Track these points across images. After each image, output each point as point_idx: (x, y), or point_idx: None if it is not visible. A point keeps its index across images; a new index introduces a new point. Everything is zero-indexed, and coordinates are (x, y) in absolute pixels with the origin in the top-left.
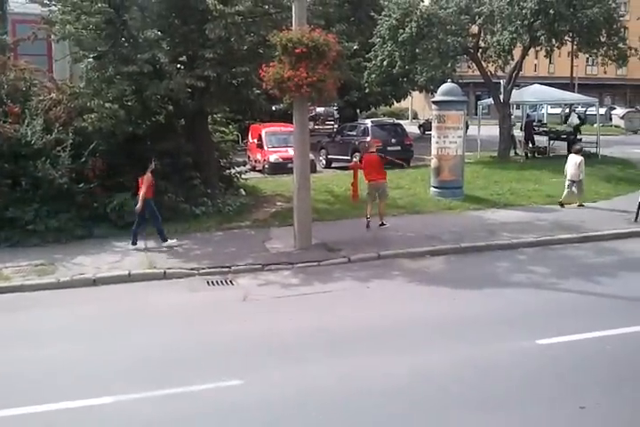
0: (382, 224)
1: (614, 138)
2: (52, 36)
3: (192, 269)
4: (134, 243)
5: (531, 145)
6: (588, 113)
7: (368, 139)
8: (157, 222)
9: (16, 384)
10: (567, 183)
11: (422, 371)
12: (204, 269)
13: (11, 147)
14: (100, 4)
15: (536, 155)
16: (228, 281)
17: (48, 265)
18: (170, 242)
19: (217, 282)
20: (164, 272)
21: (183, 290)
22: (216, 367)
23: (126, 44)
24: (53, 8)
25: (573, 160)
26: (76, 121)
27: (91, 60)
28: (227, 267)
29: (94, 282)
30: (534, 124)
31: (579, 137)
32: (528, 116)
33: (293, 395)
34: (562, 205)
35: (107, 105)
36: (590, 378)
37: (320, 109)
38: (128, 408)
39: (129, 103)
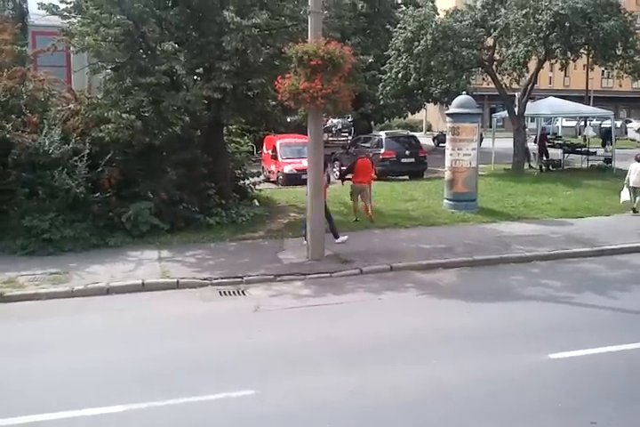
0: (370, 217)
1: (630, 151)
2: (72, 48)
3: (205, 278)
4: (336, 237)
5: (545, 158)
6: (603, 126)
7: (382, 151)
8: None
9: (28, 392)
10: (628, 191)
11: (435, 384)
12: (216, 279)
13: (28, 156)
14: (118, 17)
15: (550, 168)
16: (241, 291)
17: (63, 274)
18: (342, 239)
19: (229, 292)
20: (177, 282)
21: (195, 300)
22: (227, 377)
23: (144, 56)
24: (73, 20)
25: (637, 167)
26: (93, 131)
27: (109, 71)
28: (239, 277)
29: (108, 291)
30: (549, 136)
31: (593, 150)
32: (543, 128)
33: (305, 406)
34: (635, 211)
35: (124, 115)
36: (603, 393)
37: (334, 121)
38: (139, 417)
39: (146, 114)
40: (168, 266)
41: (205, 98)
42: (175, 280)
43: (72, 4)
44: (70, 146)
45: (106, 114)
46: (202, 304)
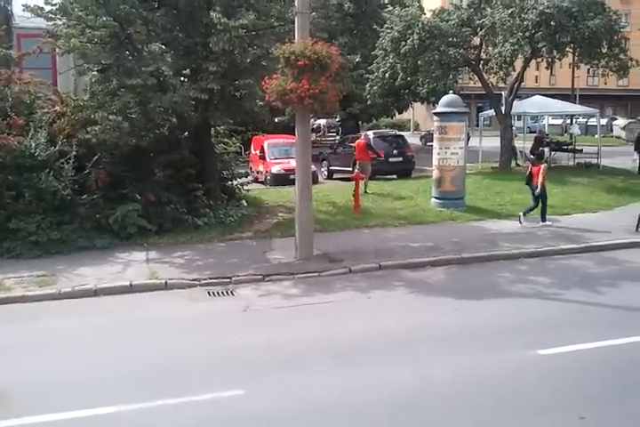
0: (366, 192)
1: (616, 149)
2: (57, 50)
3: (193, 279)
4: (544, 220)
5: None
6: (589, 124)
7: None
8: (545, 204)
9: (16, 395)
10: None
11: (425, 382)
12: (205, 279)
13: (14, 159)
14: (104, 18)
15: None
16: (229, 292)
17: (49, 276)
18: (546, 223)
19: (218, 293)
20: (166, 283)
21: (184, 300)
22: (217, 378)
23: (130, 57)
24: (58, 22)
25: None
26: (79, 133)
27: (95, 73)
28: (228, 277)
29: (95, 293)
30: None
31: (579, 148)
32: (540, 131)
33: (295, 406)
34: None
35: (110, 117)
36: (591, 388)
37: (321, 121)
38: (128, 419)
39: (133, 116)
40: (156, 267)
41: (193, 99)
42: (163, 281)
43: (57, 6)
44: (57, 148)
45: (92, 116)
46: (191, 305)
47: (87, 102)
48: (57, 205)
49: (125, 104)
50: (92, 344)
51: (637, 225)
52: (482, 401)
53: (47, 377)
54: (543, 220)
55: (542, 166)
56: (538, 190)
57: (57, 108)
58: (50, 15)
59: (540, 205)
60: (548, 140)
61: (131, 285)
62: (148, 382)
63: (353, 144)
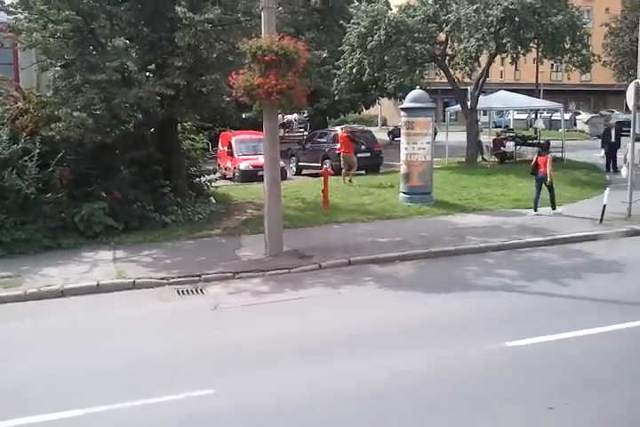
0: (350, 181)
1: (579, 142)
2: (19, 45)
3: (162, 278)
4: (554, 208)
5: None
6: (553, 118)
7: (338, 146)
8: (553, 193)
9: None
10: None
11: (395, 375)
12: (174, 278)
13: None
14: (67, 12)
15: (503, 160)
16: (199, 290)
17: (15, 277)
18: (557, 211)
19: (187, 291)
20: (134, 282)
21: (153, 300)
22: (187, 377)
23: (94, 53)
24: (20, 16)
25: None
26: (43, 130)
27: (58, 68)
28: (197, 276)
29: (62, 293)
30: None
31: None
32: (506, 128)
33: (266, 403)
34: None
35: (75, 114)
36: (558, 379)
37: (292, 116)
38: (97, 421)
39: (97, 112)
40: (124, 266)
41: (158, 94)
42: (131, 280)
43: (18, 0)
44: (19, 146)
45: (56, 112)
46: (159, 304)
47: (50, 98)
48: (20, 203)
49: (90, 100)
50: (60, 346)
51: (601, 217)
52: (451, 393)
53: (12, 381)
54: (554, 208)
55: (549, 156)
56: (549, 180)
57: (19, 104)
58: (11, 9)
59: (549, 194)
60: (512, 134)
61: (98, 285)
62: (117, 384)
63: (322, 140)
